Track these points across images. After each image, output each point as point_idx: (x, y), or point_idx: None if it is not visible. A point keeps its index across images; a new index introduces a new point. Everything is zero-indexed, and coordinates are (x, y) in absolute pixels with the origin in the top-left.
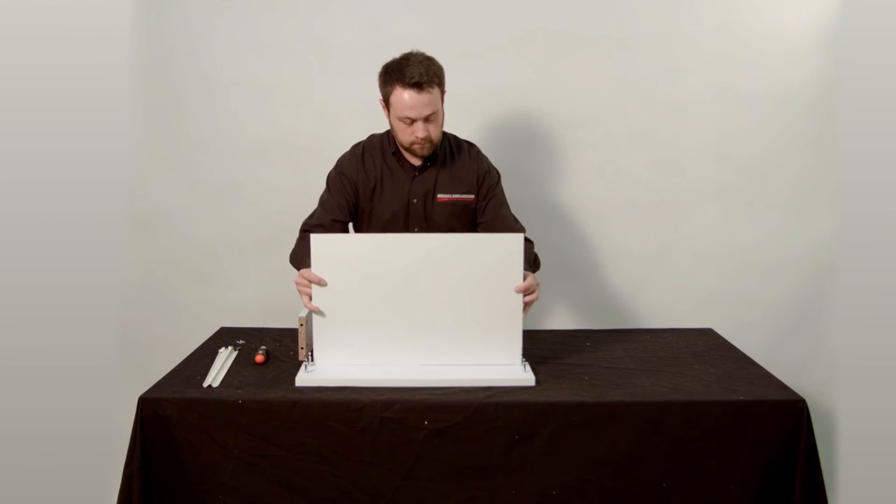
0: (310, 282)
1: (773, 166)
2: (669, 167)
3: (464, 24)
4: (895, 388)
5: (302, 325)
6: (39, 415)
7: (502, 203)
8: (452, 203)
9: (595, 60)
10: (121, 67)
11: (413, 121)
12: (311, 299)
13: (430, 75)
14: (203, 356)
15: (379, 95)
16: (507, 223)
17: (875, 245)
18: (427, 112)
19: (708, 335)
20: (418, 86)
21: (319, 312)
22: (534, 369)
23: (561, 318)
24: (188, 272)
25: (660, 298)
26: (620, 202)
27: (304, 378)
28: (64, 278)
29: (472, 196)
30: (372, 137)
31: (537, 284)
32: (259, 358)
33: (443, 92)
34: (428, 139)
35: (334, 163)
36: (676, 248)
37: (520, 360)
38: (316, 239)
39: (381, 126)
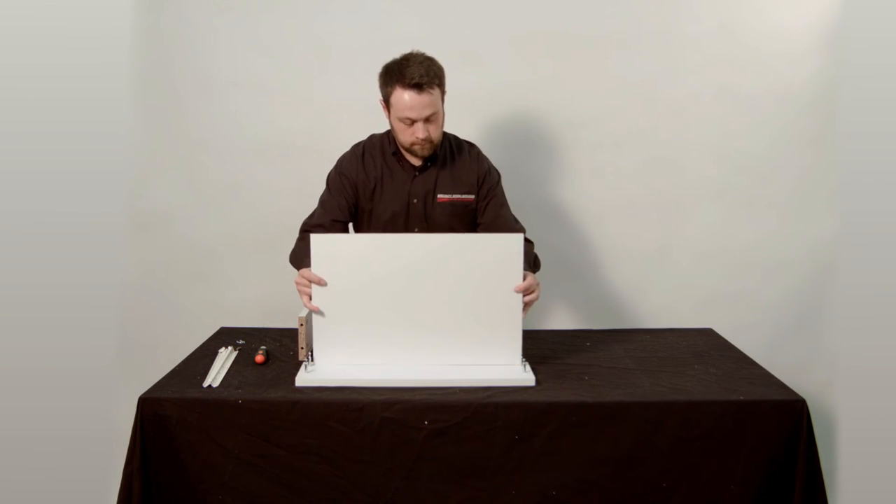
0: (310, 282)
1: (773, 166)
2: (669, 167)
3: (464, 24)
4: (895, 388)
5: (302, 325)
6: (40, 415)
7: (503, 203)
8: (452, 203)
9: (595, 60)
10: (121, 67)
11: (413, 121)
12: (310, 299)
13: (430, 76)
14: (203, 356)
15: (379, 96)
16: (507, 223)
17: (875, 245)
18: (427, 113)
19: (708, 335)
20: (419, 86)
21: (319, 312)
22: (534, 369)
23: (561, 318)
24: (188, 272)
25: (660, 298)
26: (620, 202)
27: (304, 378)
28: (64, 278)
29: (472, 196)
30: (372, 137)
31: (537, 284)
32: (259, 358)
33: (443, 92)
34: (428, 140)
35: (334, 163)
36: (676, 248)
37: (520, 360)
38: (316, 239)
39: (380, 126)
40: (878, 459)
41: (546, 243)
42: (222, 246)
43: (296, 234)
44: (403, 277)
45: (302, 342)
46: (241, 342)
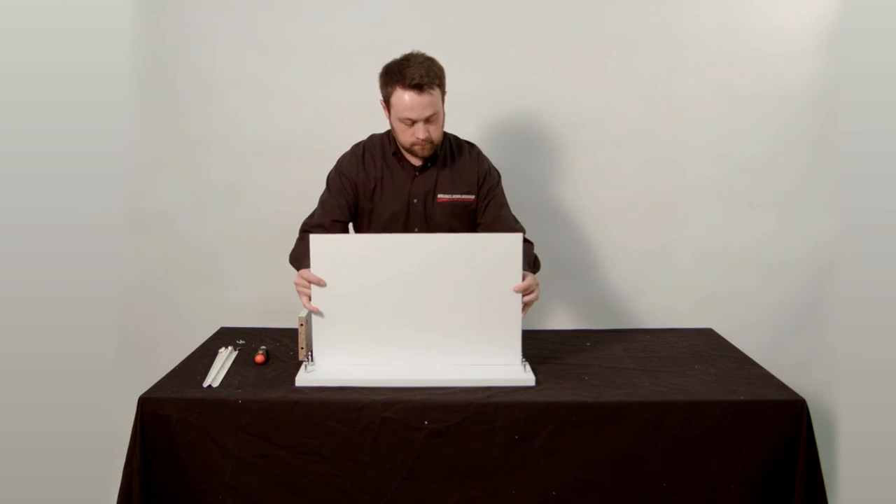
0: (309, 282)
1: (773, 166)
2: (669, 167)
3: (464, 24)
4: (895, 388)
5: (302, 325)
6: (40, 415)
7: (503, 204)
8: (453, 203)
9: (595, 60)
10: (121, 67)
11: (414, 122)
12: (310, 300)
13: (430, 76)
14: (203, 356)
15: (379, 96)
16: (507, 224)
17: (875, 245)
18: (427, 113)
19: (708, 335)
20: (419, 87)
21: (319, 313)
22: (534, 369)
23: (561, 318)
24: (188, 272)
25: (660, 298)
26: (620, 202)
27: (304, 378)
28: (64, 278)
29: (472, 196)
30: (372, 137)
31: (537, 284)
32: (259, 358)
33: (443, 93)
34: (428, 140)
35: (334, 163)
36: (676, 248)
37: (520, 360)
38: (315, 239)
39: (380, 126)
40: (878, 459)
41: (546, 243)
42: (222, 246)
43: (296, 234)
44: (403, 277)
45: (302, 342)
46: (241, 342)
